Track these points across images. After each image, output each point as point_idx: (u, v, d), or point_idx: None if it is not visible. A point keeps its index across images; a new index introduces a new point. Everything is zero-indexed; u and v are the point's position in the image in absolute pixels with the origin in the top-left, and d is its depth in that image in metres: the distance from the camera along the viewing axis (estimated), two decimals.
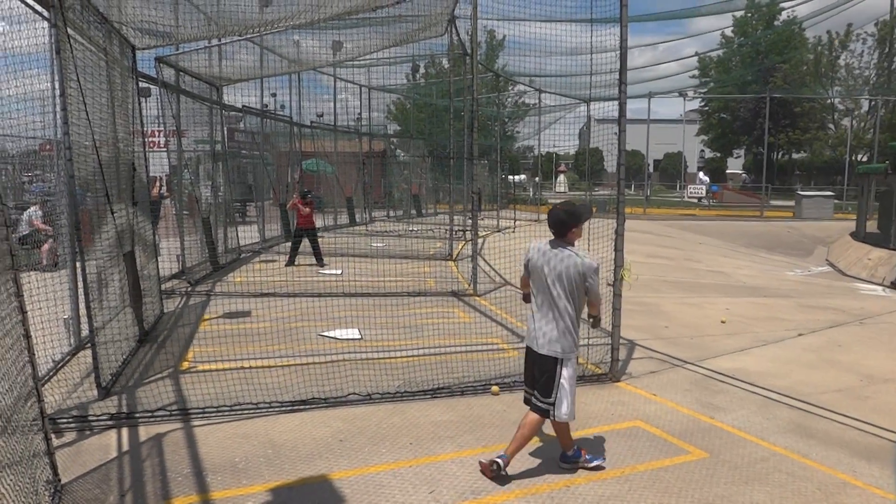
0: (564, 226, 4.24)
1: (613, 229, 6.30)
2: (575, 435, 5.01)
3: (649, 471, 4.42)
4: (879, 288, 13.00)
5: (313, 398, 5.53)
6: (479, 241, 12.36)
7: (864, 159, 40.31)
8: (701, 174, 45.05)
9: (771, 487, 4.22)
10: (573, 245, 4.28)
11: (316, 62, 15.72)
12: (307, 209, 13.08)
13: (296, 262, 12.86)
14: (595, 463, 4.42)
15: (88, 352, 5.82)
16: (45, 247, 10.88)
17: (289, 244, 13.82)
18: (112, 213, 6.30)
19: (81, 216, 5.96)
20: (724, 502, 4.02)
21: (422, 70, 35.52)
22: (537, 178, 34.24)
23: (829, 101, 46.16)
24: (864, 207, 18.75)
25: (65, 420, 5.00)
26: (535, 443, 4.79)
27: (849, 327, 9.02)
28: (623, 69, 6.17)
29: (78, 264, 5.75)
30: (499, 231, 18.97)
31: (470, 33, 11.25)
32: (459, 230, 16.18)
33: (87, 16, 6.18)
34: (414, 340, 7.33)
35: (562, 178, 43.70)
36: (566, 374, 4.22)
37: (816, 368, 6.99)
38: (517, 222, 19.36)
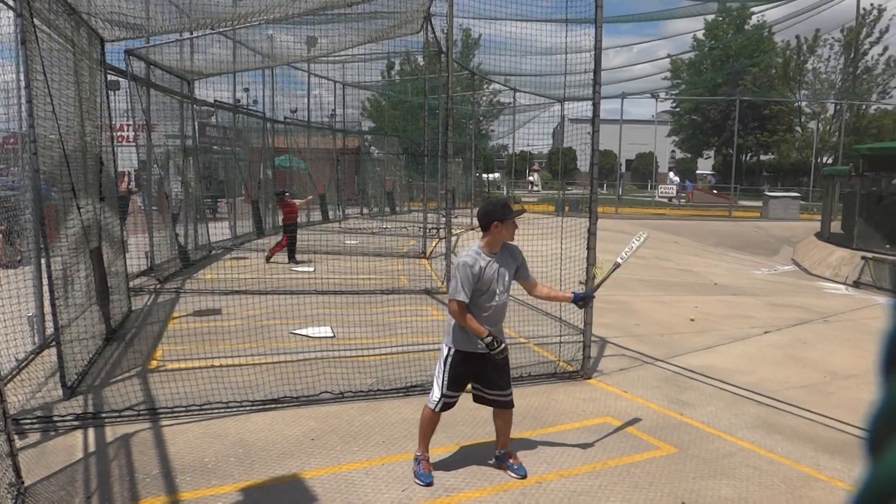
0: (490, 217, 4.13)
1: (586, 228, 6.36)
2: (546, 431, 5.05)
3: (619, 466, 4.48)
4: (843, 287, 13.31)
5: (285, 397, 5.49)
6: (453, 238, 12.37)
7: (830, 162, 41.25)
8: (672, 174, 45.70)
9: (737, 481, 4.30)
10: (480, 242, 4.19)
11: (290, 57, 15.57)
12: (295, 202, 13.20)
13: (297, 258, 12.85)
14: (518, 474, 4.29)
15: (53, 350, 5.70)
16: None
17: (260, 241, 13.74)
18: (78, 209, 6.17)
19: (46, 211, 5.83)
20: (693, 496, 4.08)
21: (397, 67, 35.47)
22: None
23: (796, 104, 47.14)
24: (828, 208, 19.17)
25: (28, 420, 4.89)
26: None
27: (813, 325, 9.22)
28: (597, 70, 6.23)
29: (43, 261, 5.63)
30: (472, 229, 19.02)
31: (446, 31, 11.25)
32: (433, 228, 16.18)
33: (54, 6, 6.04)
34: (387, 338, 7.31)
35: (535, 176, 43.96)
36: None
37: (782, 365, 7.13)
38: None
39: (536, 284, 4.38)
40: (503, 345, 4.05)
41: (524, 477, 4.24)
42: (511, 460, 4.35)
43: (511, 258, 4.24)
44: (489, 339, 3.99)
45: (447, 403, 4.18)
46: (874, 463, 0.40)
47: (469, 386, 4.35)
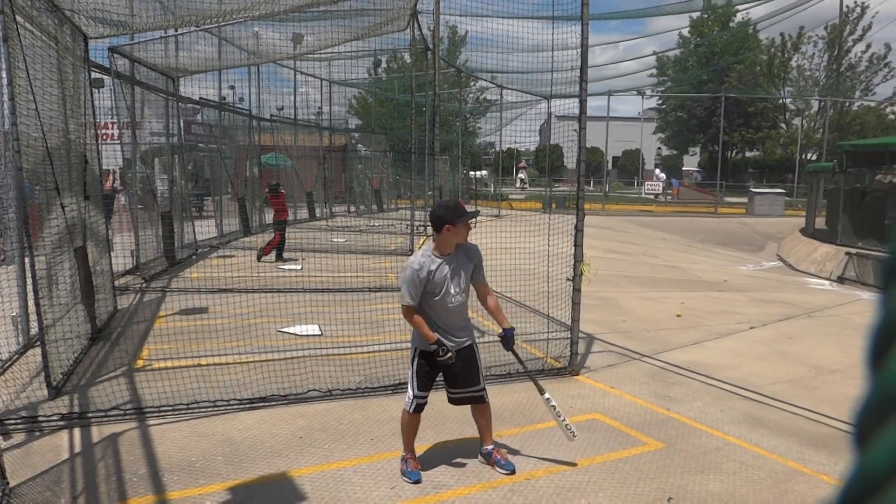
0: (441, 221, 4.08)
1: (573, 225, 6.38)
2: (535, 428, 5.07)
3: (607, 462, 4.50)
4: (827, 282, 13.46)
5: (272, 395, 5.47)
6: None
7: (814, 158, 41.65)
8: (658, 171, 45.93)
9: (724, 476, 4.34)
10: (431, 244, 4.20)
11: (276, 55, 15.50)
12: (280, 201, 13.11)
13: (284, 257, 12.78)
14: (507, 469, 4.28)
15: (38, 350, 5.64)
16: None
17: (247, 239, 13.65)
18: (62, 207, 6.11)
19: (30, 210, 5.77)
20: (680, 491, 4.11)
21: (383, 65, 35.38)
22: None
23: (781, 101, 47.54)
24: (813, 205, 19.38)
25: (13, 421, 4.84)
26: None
27: (798, 320, 9.32)
28: (584, 67, 6.24)
29: (27, 260, 5.57)
30: None
31: (432, 28, 11.23)
32: (420, 225, 16.16)
33: (36, 2, 5.97)
34: (375, 336, 7.30)
35: (522, 174, 44.07)
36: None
37: (768, 360, 7.20)
38: (478, 217, 19.44)
39: (489, 294, 4.36)
40: (449, 353, 4.05)
41: (512, 472, 4.26)
42: (498, 456, 4.36)
43: (467, 258, 4.20)
44: (434, 347, 4.03)
45: (419, 404, 4.20)
46: (860, 454, 0.41)
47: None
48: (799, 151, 41.47)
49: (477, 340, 4.40)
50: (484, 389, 4.32)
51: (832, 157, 30.07)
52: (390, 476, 4.21)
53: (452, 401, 4.38)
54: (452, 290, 4.09)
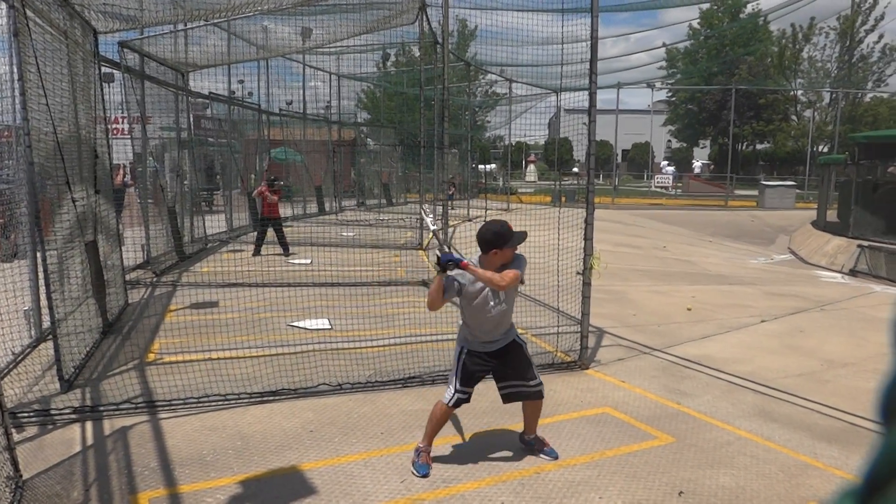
0: (490, 245, 4.08)
1: (583, 218, 6.35)
2: (545, 422, 5.06)
3: (618, 456, 4.49)
4: (839, 275, 13.35)
5: (283, 389, 5.48)
6: (450, 229, 12.35)
7: (825, 150, 41.29)
8: (666, 164, 45.66)
9: (736, 470, 4.32)
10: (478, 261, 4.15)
11: (285, 49, 15.50)
12: (274, 197, 12.92)
13: (262, 252, 12.72)
14: (551, 456, 4.41)
15: (50, 344, 5.68)
16: None
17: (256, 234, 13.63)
18: (73, 202, 6.14)
19: (41, 205, 5.80)
20: (691, 485, 4.10)
21: (392, 58, 35.31)
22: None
23: (792, 93, 47.14)
24: (824, 197, 19.21)
25: (26, 414, 4.88)
26: (501, 430, 4.82)
27: (810, 313, 9.25)
28: (594, 59, 6.20)
29: (38, 254, 5.60)
30: (469, 220, 19.01)
31: (441, 22, 11.19)
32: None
33: None
34: (384, 330, 7.31)
35: (531, 167, 43.91)
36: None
37: (779, 354, 7.15)
38: (488, 211, 19.47)
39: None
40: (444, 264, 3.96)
41: (556, 458, 4.36)
42: (544, 446, 4.45)
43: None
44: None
45: (460, 399, 4.23)
46: (888, 431, 0.40)
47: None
48: (810, 144, 41.12)
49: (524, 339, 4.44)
50: (541, 384, 4.34)
51: (844, 149, 29.81)
52: (400, 470, 4.21)
53: (505, 396, 4.39)
54: (491, 303, 4.13)
